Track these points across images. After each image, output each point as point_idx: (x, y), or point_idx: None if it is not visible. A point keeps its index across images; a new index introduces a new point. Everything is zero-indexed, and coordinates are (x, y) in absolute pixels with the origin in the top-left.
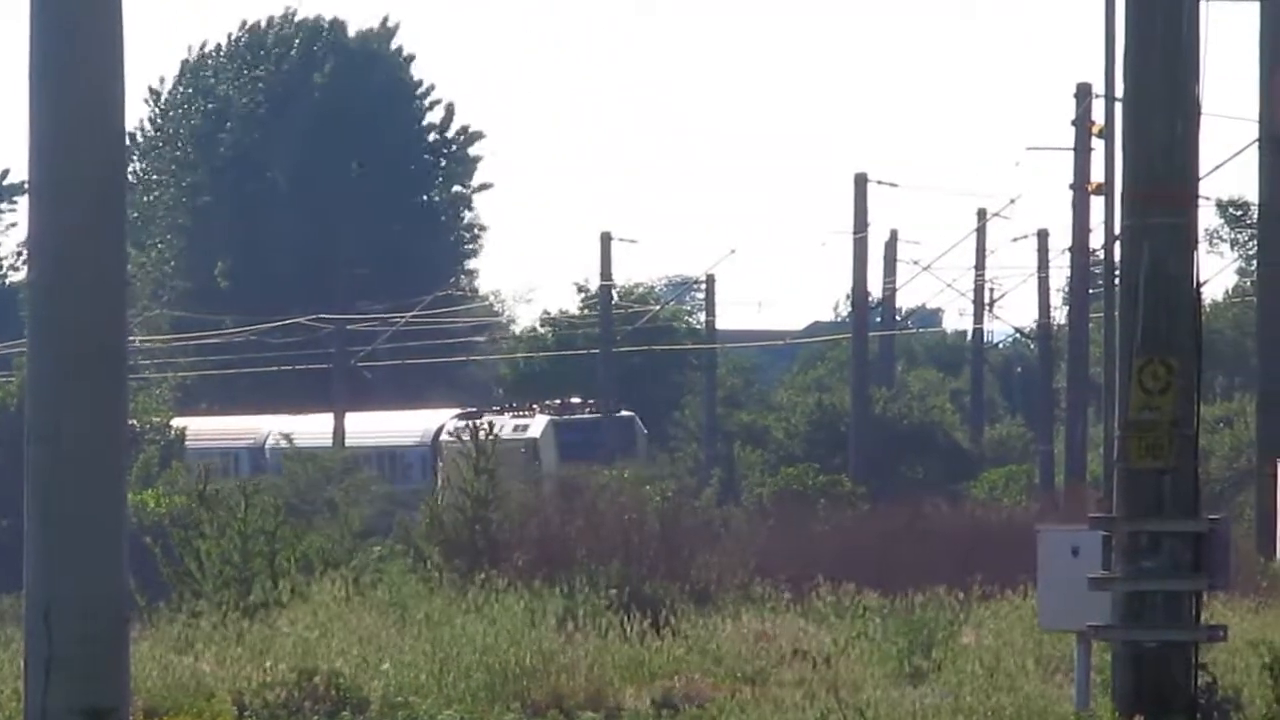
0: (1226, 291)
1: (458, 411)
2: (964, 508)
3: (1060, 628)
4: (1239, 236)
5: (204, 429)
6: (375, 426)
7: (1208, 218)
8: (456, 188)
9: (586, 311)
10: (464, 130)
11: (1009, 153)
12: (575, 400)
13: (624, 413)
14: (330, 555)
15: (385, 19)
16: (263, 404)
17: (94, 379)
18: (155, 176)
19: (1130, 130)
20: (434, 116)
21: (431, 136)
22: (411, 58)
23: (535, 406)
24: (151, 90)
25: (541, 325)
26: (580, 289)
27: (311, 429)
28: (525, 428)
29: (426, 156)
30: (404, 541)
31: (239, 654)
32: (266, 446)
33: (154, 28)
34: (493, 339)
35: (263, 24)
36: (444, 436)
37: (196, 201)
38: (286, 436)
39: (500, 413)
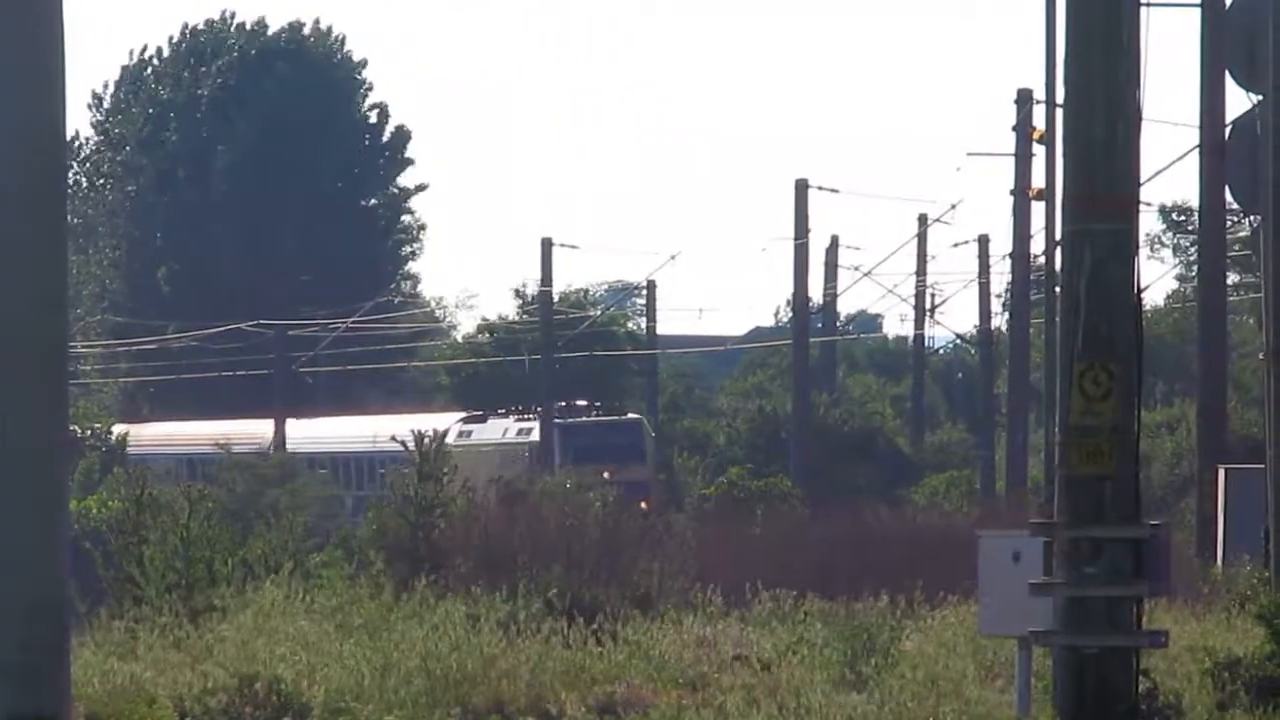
0: (1167, 297)
1: (463, 415)
2: (905, 513)
3: (1001, 633)
4: (1181, 242)
5: (223, 432)
6: (369, 430)
7: (1150, 223)
8: (394, 189)
9: (526, 317)
10: (399, 130)
11: (950, 159)
12: (581, 403)
13: (631, 416)
14: (274, 561)
15: (317, 20)
16: (215, 410)
17: (35, 385)
18: (99, 180)
19: (1071, 135)
20: (374, 121)
21: (368, 139)
22: (362, 64)
23: (538, 409)
24: (94, 95)
25: (480, 331)
26: (518, 294)
27: (335, 432)
28: (529, 431)
29: (366, 159)
30: (345, 547)
31: (180, 660)
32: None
33: (97, 31)
34: (431, 344)
35: (202, 27)
36: (449, 440)
37: (138, 206)
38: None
39: (505, 415)
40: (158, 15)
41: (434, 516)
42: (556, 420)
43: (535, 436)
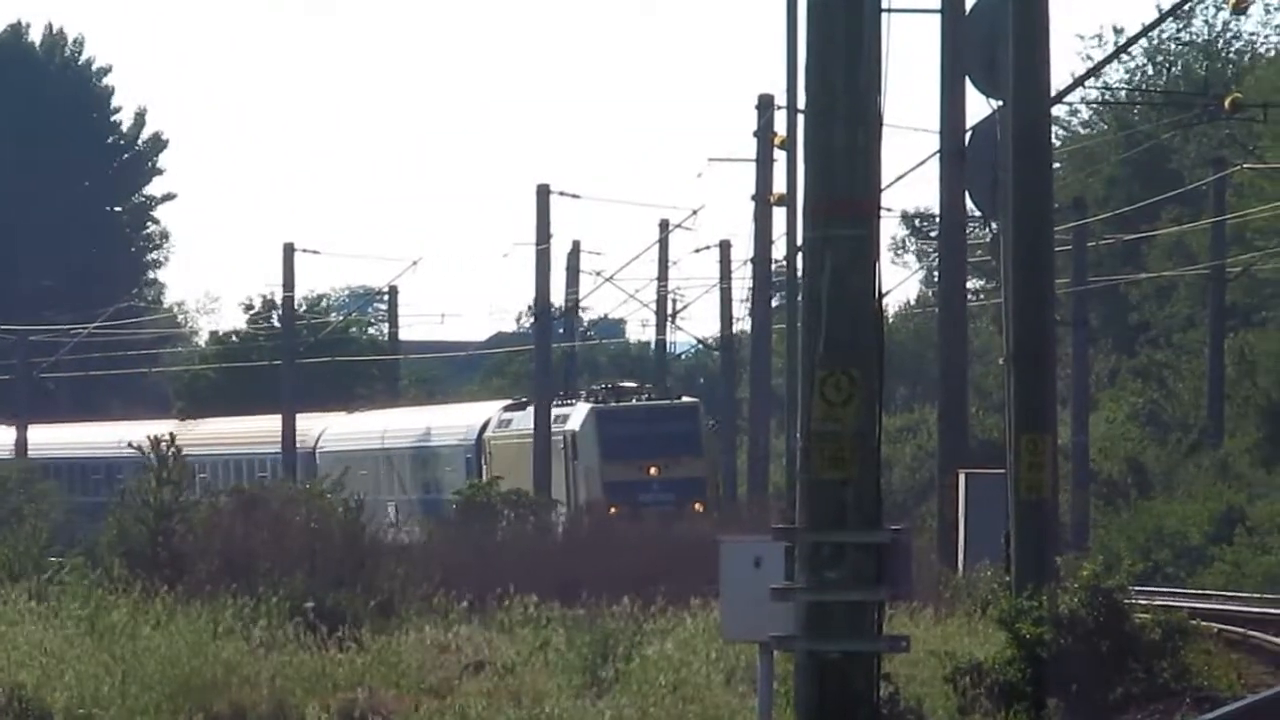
0: (907, 302)
1: (506, 403)
2: (647, 518)
3: (743, 638)
4: (925, 247)
5: (230, 431)
6: (408, 424)
7: (894, 227)
8: (140, 198)
9: (265, 324)
10: (150, 140)
11: (692, 164)
12: (629, 385)
13: (685, 399)
14: (16, 567)
15: (50, 25)
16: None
17: None
18: None
19: (811, 141)
20: (121, 127)
21: (112, 142)
22: (107, 69)
23: (582, 392)
24: None
25: (245, 337)
26: (248, 309)
27: (360, 427)
28: (565, 418)
29: (112, 166)
30: (89, 553)
31: None
32: (318, 450)
33: None
34: (173, 350)
35: None
36: (490, 432)
37: None
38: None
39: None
40: None
41: (173, 522)
42: (594, 405)
43: (571, 425)
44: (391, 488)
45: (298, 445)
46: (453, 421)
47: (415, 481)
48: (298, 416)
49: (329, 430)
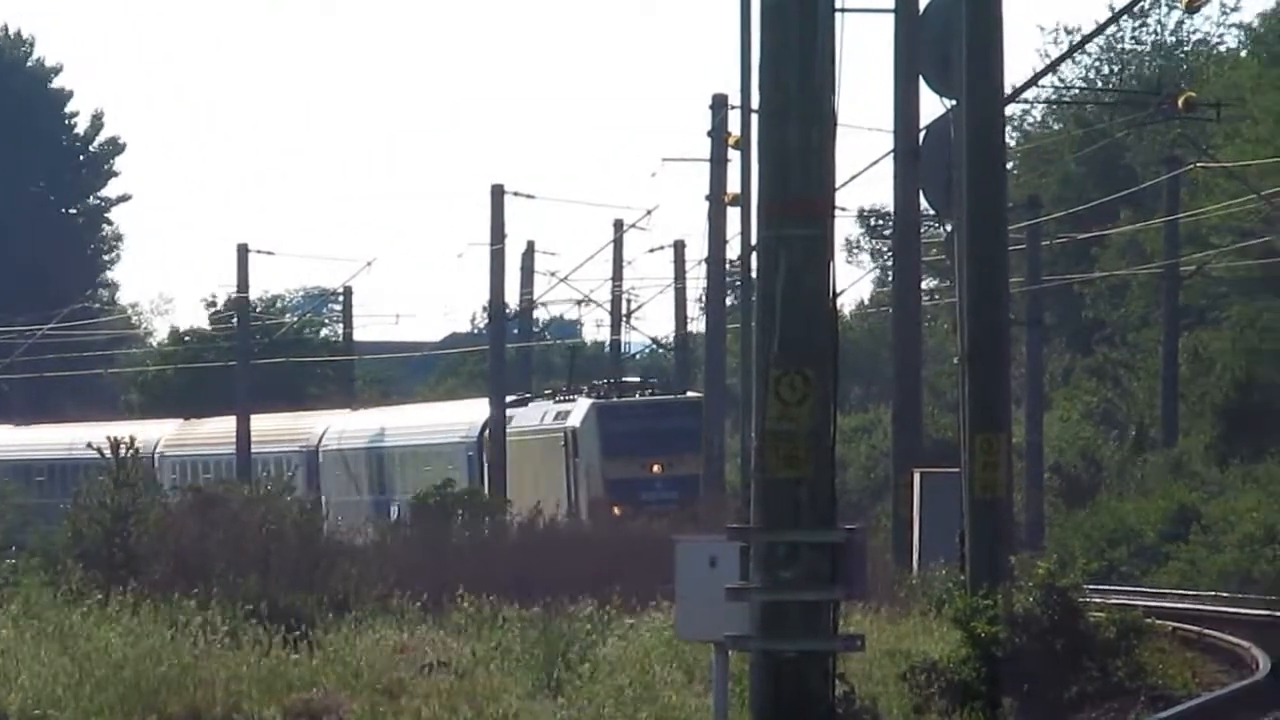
0: (862, 301)
1: (508, 399)
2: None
3: (698, 638)
4: (879, 246)
5: (233, 430)
6: (411, 421)
7: (848, 226)
8: (94, 199)
9: (220, 325)
10: (107, 142)
11: (646, 164)
12: (633, 380)
13: (689, 394)
14: None
15: (5, 26)
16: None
17: None
18: None
19: (766, 141)
20: (76, 129)
21: (67, 144)
22: (59, 69)
23: (585, 388)
24: None
25: (188, 337)
26: (209, 304)
27: (363, 425)
28: (566, 414)
29: (66, 168)
30: (45, 554)
31: None
32: (321, 449)
33: None
34: (128, 351)
35: None
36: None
37: None
38: None
39: (550, 397)
40: None
41: (129, 523)
42: (595, 400)
43: (572, 422)
44: (395, 486)
45: (300, 445)
46: (455, 419)
47: (418, 480)
48: (302, 415)
49: (332, 428)
